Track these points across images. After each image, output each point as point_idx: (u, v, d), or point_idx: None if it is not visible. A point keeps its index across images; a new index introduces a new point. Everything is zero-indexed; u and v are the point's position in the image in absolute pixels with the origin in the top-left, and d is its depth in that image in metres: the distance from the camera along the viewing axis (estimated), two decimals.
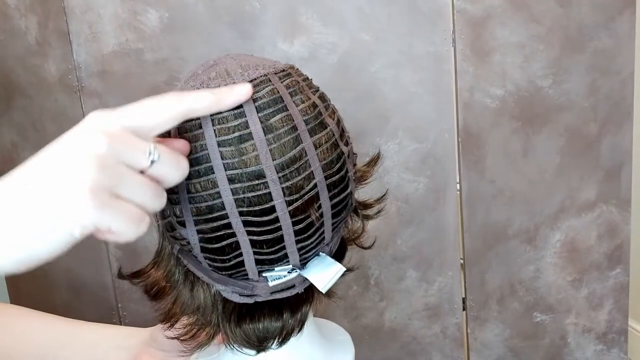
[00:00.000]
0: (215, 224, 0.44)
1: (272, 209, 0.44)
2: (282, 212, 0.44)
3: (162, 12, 1.26)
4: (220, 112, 0.43)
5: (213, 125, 0.43)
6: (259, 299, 0.49)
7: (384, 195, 0.59)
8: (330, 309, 1.47)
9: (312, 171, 0.46)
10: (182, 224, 0.46)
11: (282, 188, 0.44)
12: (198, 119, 0.44)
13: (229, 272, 0.47)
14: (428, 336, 1.49)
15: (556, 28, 1.35)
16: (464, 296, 1.48)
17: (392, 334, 1.48)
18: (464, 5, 1.29)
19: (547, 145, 1.42)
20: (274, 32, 1.28)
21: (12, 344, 0.62)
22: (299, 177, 0.45)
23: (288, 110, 0.45)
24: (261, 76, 0.46)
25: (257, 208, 0.44)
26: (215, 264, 0.47)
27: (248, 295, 0.48)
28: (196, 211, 0.45)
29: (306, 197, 0.45)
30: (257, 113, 0.44)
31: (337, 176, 0.49)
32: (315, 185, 0.46)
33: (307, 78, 0.51)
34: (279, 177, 0.44)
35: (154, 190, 0.38)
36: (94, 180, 0.34)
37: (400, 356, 1.50)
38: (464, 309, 1.49)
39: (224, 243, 0.45)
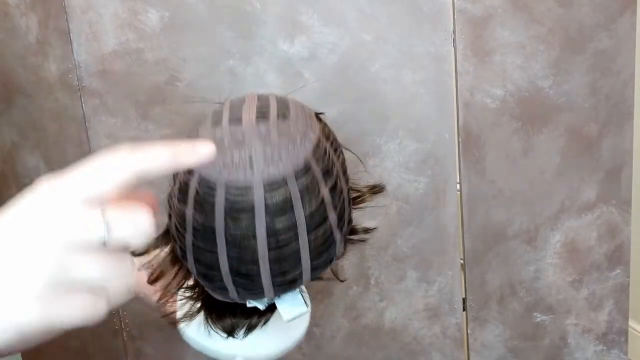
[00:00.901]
0: (210, 272, 0.53)
1: (259, 278, 0.52)
2: (267, 282, 0.52)
3: (162, 11, 1.26)
4: (233, 210, 0.49)
5: (225, 216, 0.49)
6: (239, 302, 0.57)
7: (373, 228, 0.63)
8: (330, 309, 1.48)
9: (301, 261, 0.52)
10: (185, 259, 0.54)
11: (271, 270, 0.51)
12: (213, 206, 0.48)
13: (218, 295, 0.56)
14: (428, 336, 1.49)
15: (557, 28, 1.35)
16: (464, 296, 1.48)
17: (392, 334, 1.48)
18: (465, 5, 1.29)
19: (547, 146, 1.42)
20: (274, 32, 1.28)
21: None
22: (288, 266, 0.52)
23: (294, 214, 0.49)
24: (280, 179, 0.49)
25: (246, 276, 0.52)
26: (207, 286, 0.56)
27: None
28: (197, 264, 0.52)
29: (290, 276, 0.53)
30: (266, 216, 0.49)
31: (323, 257, 0.54)
32: (301, 270, 0.53)
33: (328, 157, 0.54)
34: (271, 269, 0.51)
35: (113, 264, 0.34)
36: (42, 288, 0.31)
37: (400, 356, 1.50)
38: (464, 310, 1.49)
39: (215, 283, 0.54)
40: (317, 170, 0.51)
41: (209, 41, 1.28)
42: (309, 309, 0.59)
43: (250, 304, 0.57)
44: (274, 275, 0.51)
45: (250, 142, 0.50)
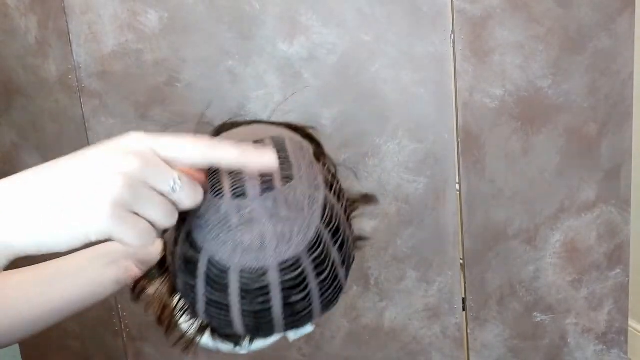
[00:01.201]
0: (220, 325, 0.53)
1: (272, 333, 0.53)
2: (280, 331, 0.53)
3: (161, 12, 1.26)
4: (248, 292, 0.49)
5: (240, 298, 0.49)
6: None
7: (366, 238, 0.63)
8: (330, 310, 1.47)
9: (312, 314, 0.53)
10: (195, 315, 0.54)
11: (284, 326, 0.52)
12: (227, 288, 0.49)
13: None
14: (428, 336, 1.49)
15: (556, 28, 1.35)
16: (464, 296, 1.48)
17: (392, 335, 1.48)
18: (464, 6, 1.29)
19: (547, 146, 1.42)
20: (273, 32, 1.28)
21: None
22: (301, 322, 0.52)
23: (308, 286, 0.50)
24: (293, 259, 0.49)
25: (261, 335, 0.53)
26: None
27: None
28: (208, 317, 0.52)
29: (301, 324, 0.53)
30: (281, 294, 0.49)
31: (332, 305, 0.55)
32: (312, 319, 0.53)
33: (336, 213, 0.53)
34: (285, 325, 0.52)
35: (168, 212, 0.42)
36: (117, 196, 0.39)
37: (400, 356, 1.50)
38: (464, 310, 1.49)
39: (223, 329, 0.54)
40: (327, 236, 0.51)
41: (208, 42, 1.28)
42: (314, 327, 0.59)
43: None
44: (287, 328, 0.53)
45: (260, 220, 0.48)
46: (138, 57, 1.28)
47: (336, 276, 0.52)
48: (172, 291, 0.56)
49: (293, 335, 0.58)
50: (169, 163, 0.42)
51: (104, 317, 1.45)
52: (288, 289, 0.49)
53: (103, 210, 0.38)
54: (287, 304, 0.49)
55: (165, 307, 0.57)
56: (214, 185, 0.49)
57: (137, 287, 0.57)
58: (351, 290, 1.44)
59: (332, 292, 0.52)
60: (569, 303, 1.53)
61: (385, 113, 1.34)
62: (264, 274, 0.48)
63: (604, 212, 1.49)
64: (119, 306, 1.44)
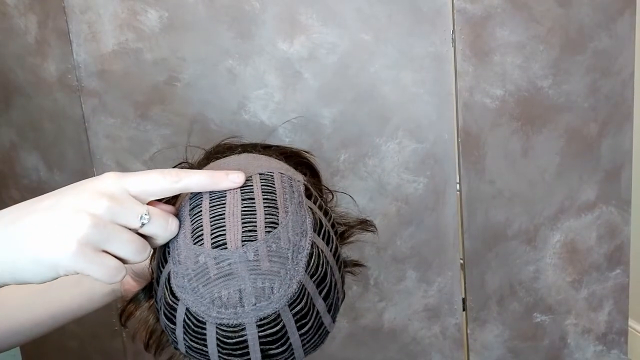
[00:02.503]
0: None
1: None
2: None
3: (161, 11, 1.26)
4: (226, 346, 0.47)
5: (218, 353, 0.47)
6: None
7: (363, 265, 0.61)
8: None
9: None
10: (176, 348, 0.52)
11: None
12: (204, 340, 0.48)
13: None
14: (428, 337, 1.49)
15: (556, 28, 1.35)
16: (463, 297, 1.48)
17: (391, 335, 1.48)
18: (464, 5, 1.29)
19: (547, 146, 1.42)
20: (273, 32, 1.28)
21: None
22: None
23: (289, 339, 0.48)
24: (273, 314, 0.46)
25: None
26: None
27: None
28: (189, 355, 0.50)
29: None
30: (260, 347, 0.47)
31: (317, 349, 0.53)
32: None
33: (323, 260, 0.50)
34: None
35: (138, 248, 0.45)
36: (84, 235, 0.41)
37: (400, 357, 1.50)
38: (463, 310, 1.49)
39: None
40: (311, 287, 0.48)
41: (208, 41, 1.28)
42: None
43: None
44: None
45: (239, 274, 0.46)
46: (138, 57, 1.28)
47: (320, 325, 0.50)
48: (157, 317, 0.54)
49: None
50: (140, 199, 0.45)
51: (103, 317, 1.45)
52: (267, 343, 0.47)
53: (70, 248, 0.41)
54: (266, 356, 0.48)
55: (151, 333, 0.56)
56: (194, 230, 0.48)
57: (124, 312, 0.57)
58: (351, 291, 1.44)
59: (316, 339, 0.51)
60: (569, 303, 1.53)
61: (385, 113, 1.34)
62: (242, 330, 0.46)
63: (604, 212, 1.49)
64: (118, 306, 1.44)
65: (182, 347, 0.50)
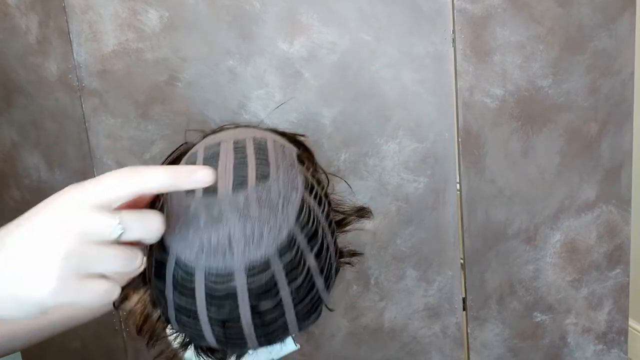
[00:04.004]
0: (192, 336, 0.50)
1: (245, 346, 0.50)
2: (253, 343, 0.49)
3: (162, 11, 1.26)
4: (214, 298, 0.46)
5: (207, 304, 0.46)
6: None
7: (360, 253, 0.60)
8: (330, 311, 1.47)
9: (287, 325, 0.50)
10: (167, 320, 0.51)
11: (257, 338, 0.49)
12: (192, 291, 0.46)
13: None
14: (428, 336, 1.49)
15: (556, 28, 1.35)
16: (463, 296, 1.48)
17: (391, 334, 1.48)
18: (464, 5, 1.29)
19: (547, 145, 1.42)
20: (274, 32, 1.28)
21: None
22: (274, 332, 0.49)
23: (279, 291, 0.47)
24: (262, 261, 0.46)
25: (235, 345, 0.50)
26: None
27: None
28: (180, 326, 0.50)
29: (276, 338, 0.51)
30: (249, 300, 0.46)
31: (311, 319, 0.52)
32: (287, 332, 0.50)
33: (314, 216, 0.50)
34: (257, 336, 0.49)
35: (124, 259, 0.41)
36: (61, 268, 0.38)
37: (400, 356, 1.50)
38: (463, 309, 1.49)
39: (201, 343, 0.51)
40: (302, 240, 0.48)
41: (208, 41, 1.28)
42: (298, 346, 0.55)
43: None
44: (260, 342, 0.50)
45: (228, 220, 0.46)
46: (138, 56, 1.28)
47: (312, 285, 0.49)
48: (154, 302, 0.53)
49: (276, 354, 0.54)
50: (106, 208, 0.41)
51: (104, 316, 1.45)
52: (257, 294, 0.46)
53: (50, 285, 0.38)
54: (256, 312, 0.46)
55: (146, 318, 0.55)
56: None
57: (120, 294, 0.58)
58: (351, 290, 1.44)
59: (308, 303, 0.49)
60: (569, 303, 1.53)
61: (385, 112, 1.34)
62: (231, 277, 0.45)
63: (604, 212, 1.49)
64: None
65: (171, 312, 0.49)
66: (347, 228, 0.58)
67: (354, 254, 0.59)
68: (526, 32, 1.34)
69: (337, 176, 0.60)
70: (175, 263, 0.47)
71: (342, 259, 0.57)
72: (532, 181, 1.44)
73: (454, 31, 1.31)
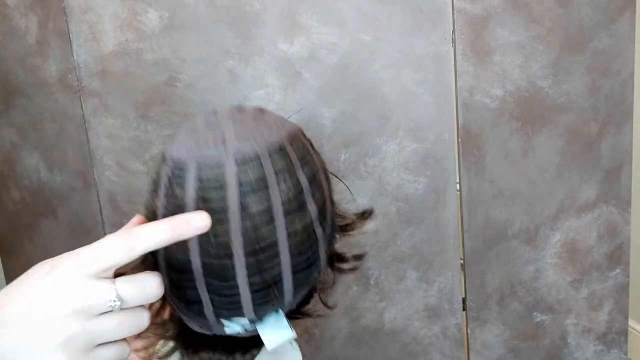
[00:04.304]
0: (182, 277, 0.48)
1: (234, 279, 0.47)
2: (243, 285, 0.47)
3: (162, 12, 1.26)
4: (204, 189, 0.46)
5: (196, 194, 0.46)
6: (217, 333, 0.52)
7: (363, 255, 0.60)
8: (330, 310, 1.47)
9: (278, 251, 0.48)
10: (156, 267, 0.50)
11: (247, 264, 0.47)
12: (183, 182, 0.47)
13: (192, 314, 0.50)
14: (428, 337, 1.49)
15: (556, 28, 1.35)
16: (464, 296, 1.48)
17: (392, 335, 1.48)
18: (464, 5, 1.29)
19: (547, 146, 1.42)
20: (274, 32, 1.28)
21: None
22: (264, 255, 0.47)
23: (269, 190, 0.47)
24: (253, 156, 0.47)
25: (221, 275, 0.47)
26: (181, 303, 0.50)
27: (208, 329, 0.52)
28: (167, 264, 0.48)
29: (269, 276, 0.48)
30: (238, 193, 0.46)
31: (304, 257, 0.50)
32: (280, 269, 0.48)
33: (305, 148, 0.52)
34: (245, 253, 0.46)
35: (130, 325, 0.40)
36: (67, 349, 0.38)
37: (400, 357, 1.50)
38: (464, 310, 1.49)
39: (187, 292, 0.49)
40: (293, 155, 0.49)
41: (208, 41, 1.28)
42: (294, 333, 0.52)
43: (229, 329, 0.51)
44: (250, 273, 0.47)
45: (224, 124, 0.49)
46: (138, 57, 1.28)
47: (302, 202, 0.49)
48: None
49: (271, 340, 0.51)
50: (104, 275, 0.40)
51: None
52: (246, 190, 0.46)
53: None
54: (245, 213, 0.46)
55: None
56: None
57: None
58: (351, 290, 1.44)
59: (301, 230, 0.48)
60: (569, 303, 1.53)
61: (385, 113, 1.34)
62: (221, 166, 0.46)
63: (604, 212, 1.49)
64: None
65: (161, 211, 0.48)
66: (353, 232, 0.59)
67: (357, 257, 0.60)
68: (526, 32, 1.34)
69: (336, 176, 0.60)
70: (170, 160, 0.49)
71: (346, 264, 0.58)
72: (532, 181, 1.44)
73: (453, 31, 1.31)
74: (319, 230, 0.51)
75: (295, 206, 0.48)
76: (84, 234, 1.38)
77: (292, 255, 0.48)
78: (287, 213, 0.48)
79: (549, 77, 1.37)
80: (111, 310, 0.39)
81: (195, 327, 0.52)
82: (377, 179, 1.38)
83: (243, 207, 0.46)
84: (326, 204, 0.53)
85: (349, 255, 0.58)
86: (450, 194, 1.40)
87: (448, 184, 1.39)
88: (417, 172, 1.38)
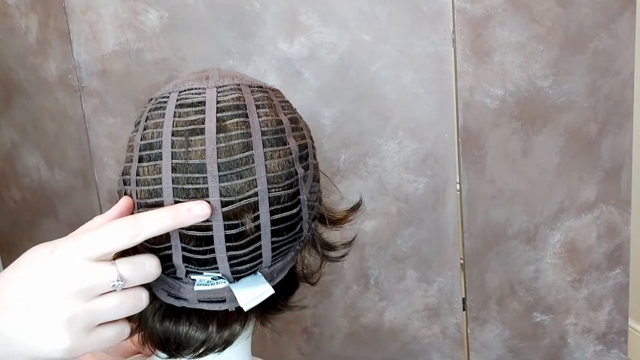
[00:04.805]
0: (152, 187, 0.46)
1: (206, 190, 0.45)
2: (216, 211, 0.45)
3: (162, 11, 1.26)
4: (183, 107, 0.46)
5: (174, 116, 0.46)
6: (187, 305, 0.48)
7: (351, 241, 0.58)
8: (330, 309, 1.48)
9: (255, 179, 0.46)
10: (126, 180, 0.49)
11: (220, 187, 0.44)
12: (164, 108, 0.47)
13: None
14: (428, 336, 1.49)
15: (556, 28, 1.35)
16: (463, 296, 1.48)
17: (391, 334, 1.48)
18: (464, 5, 1.29)
19: (547, 146, 1.42)
20: (274, 32, 1.28)
21: None
22: (240, 181, 0.45)
23: (248, 117, 0.46)
24: (233, 85, 0.48)
25: (189, 182, 0.45)
26: (147, 252, 0.48)
27: (175, 297, 0.48)
28: (140, 194, 0.46)
29: (243, 202, 0.45)
30: (217, 113, 0.45)
31: (283, 192, 0.47)
32: (255, 194, 0.46)
33: (287, 101, 0.53)
34: (220, 176, 0.44)
35: (130, 304, 0.42)
36: (70, 330, 0.39)
37: (400, 356, 1.50)
38: (463, 309, 1.49)
39: (154, 194, 0.47)
40: (275, 99, 0.50)
41: (208, 41, 1.28)
42: (270, 287, 0.48)
43: (198, 285, 0.47)
44: (224, 201, 0.45)
45: (209, 70, 0.51)
46: (138, 56, 1.28)
47: (284, 142, 0.48)
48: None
49: (245, 296, 0.47)
50: (105, 257, 0.41)
51: None
52: (224, 109, 0.46)
53: (64, 345, 0.39)
54: (221, 127, 0.45)
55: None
56: None
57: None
58: (351, 290, 1.44)
59: (279, 163, 0.47)
60: (569, 303, 1.53)
61: (385, 113, 1.34)
62: (202, 91, 0.47)
63: (604, 212, 1.49)
64: None
65: (135, 154, 0.47)
66: (346, 223, 0.58)
67: (345, 244, 0.58)
68: (526, 32, 1.34)
69: (327, 176, 0.59)
70: (154, 100, 0.49)
71: (335, 252, 0.57)
72: (532, 181, 1.44)
73: (454, 31, 1.31)
74: (298, 169, 0.49)
75: (275, 137, 0.47)
76: None
77: (270, 185, 0.46)
78: (266, 141, 0.47)
79: (549, 77, 1.37)
80: (113, 291, 0.41)
81: (162, 294, 0.49)
82: (377, 179, 1.38)
83: (219, 122, 0.45)
84: (308, 147, 0.52)
85: (337, 243, 0.58)
86: (450, 194, 1.40)
87: (448, 183, 1.39)
88: (417, 172, 1.38)
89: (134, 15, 1.26)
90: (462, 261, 1.47)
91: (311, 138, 0.54)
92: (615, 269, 1.53)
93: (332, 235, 0.58)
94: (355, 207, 0.59)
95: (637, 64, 1.42)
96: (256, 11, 1.27)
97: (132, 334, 0.49)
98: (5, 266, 1.60)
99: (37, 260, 0.41)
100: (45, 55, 1.32)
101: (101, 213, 1.39)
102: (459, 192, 1.42)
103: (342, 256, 0.58)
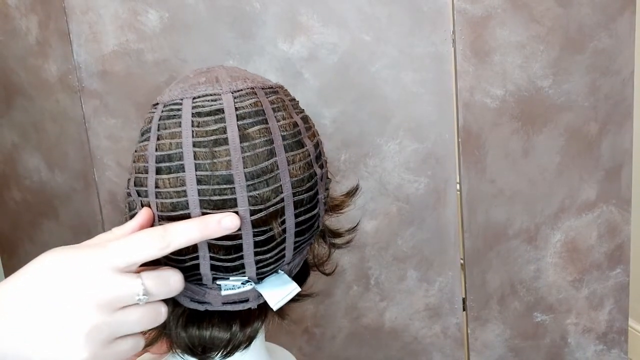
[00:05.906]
0: (173, 201, 0.45)
1: (234, 200, 0.45)
2: (245, 220, 0.44)
3: (162, 12, 1.26)
4: (201, 115, 0.45)
5: (192, 126, 0.45)
6: (210, 308, 0.49)
7: (356, 226, 0.59)
8: (331, 310, 1.48)
9: (280, 185, 0.46)
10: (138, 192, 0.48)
11: (249, 196, 0.44)
12: (179, 116, 0.45)
13: (184, 274, 0.46)
14: (429, 336, 1.49)
15: (556, 28, 1.35)
16: (464, 296, 1.48)
17: (392, 334, 1.48)
18: (464, 5, 1.30)
19: (547, 145, 1.42)
20: (274, 32, 1.28)
21: None
22: (267, 189, 0.45)
23: (268, 123, 0.46)
24: (248, 88, 0.47)
25: (217, 192, 0.45)
26: (171, 263, 0.47)
27: (199, 302, 0.49)
28: (160, 207, 0.45)
29: (271, 209, 0.46)
30: (237, 121, 0.45)
31: (305, 195, 0.48)
32: (282, 200, 0.46)
33: (294, 99, 0.52)
34: (247, 185, 0.44)
35: (149, 319, 0.41)
36: (89, 342, 0.38)
37: (401, 356, 1.50)
38: (464, 309, 1.49)
39: (177, 207, 0.46)
40: (285, 98, 0.49)
41: (209, 41, 1.28)
42: (296, 286, 0.49)
43: (226, 290, 0.47)
44: (253, 210, 0.44)
45: (216, 70, 0.50)
46: (139, 57, 1.28)
47: (302, 143, 0.48)
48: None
49: (274, 297, 0.48)
50: (130, 268, 0.40)
51: None
52: (244, 116, 0.45)
53: (82, 356, 0.38)
54: (244, 136, 0.44)
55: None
56: None
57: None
58: (352, 290, 1.45)
59: (300, 163, 0.47)
60: (570, 303, 1.53)
61: (385, 113, 1.34)
62: (217, 97, 0.46)
63: (604, 211, 1.49)
64: None
65: (151, 165, 0.46)
66: (344, 210, 0.58)
67: (350, 230, 0.59)
68: (526, 32, 1.34)
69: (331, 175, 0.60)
70: (163, 106, 0.47)
71: (341, 239, 0.57)
72: (532, 181, 1.44)
73: (454, 31, 1.31)
74: (317, 169, 0.50)
75: (294, 140, 0.48)
76: (84, 233, 1.38)
77: (294, 190, 0.46)
78: (287, 146, 0.47)
79: (549, 77, 1.37)
80: (136, 304, 0.40)
81: (185, 301, 0.49)
82: (378, 179, 1.38)
83: (241, 130, 0.45)
84: (320, 145, 0.53)
85: (342, 230, 0.58)
86: (450, 194, 1.40)
87: (448, 183, 1.39)
88: (417, 172, 1.38)
89: (134, 16, 1.26)
90: (462, 261, 1.47)
91: (317, 133, 0.55)
92: (616, 269, 1.53)
93: (334, 222, 0.59)
94: (352, 192, 0.59)
95: (637, 64, 1.42)
96: (256, 12, 1.27)
97: (152, 342, 0.50)
98: (5, 267, 1.60)
99: (58, 266, 0.39)
100: (45, 57, 1.32)
101: (101, 214, 1.39)
102: (459, 192, 1.42)
103: (348, 242, 0.58)
